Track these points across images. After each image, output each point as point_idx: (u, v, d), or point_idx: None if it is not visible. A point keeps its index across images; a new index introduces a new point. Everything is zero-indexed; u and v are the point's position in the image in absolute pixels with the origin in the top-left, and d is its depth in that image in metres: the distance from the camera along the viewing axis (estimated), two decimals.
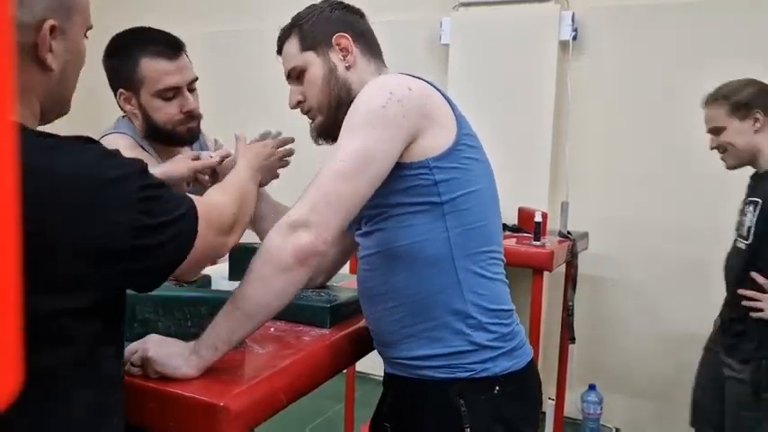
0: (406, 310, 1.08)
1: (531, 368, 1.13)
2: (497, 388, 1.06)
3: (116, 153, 0.75)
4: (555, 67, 2.96)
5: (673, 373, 2.69)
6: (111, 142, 1.40)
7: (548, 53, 2.97)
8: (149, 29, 1.41)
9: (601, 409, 2.78)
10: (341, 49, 1.12)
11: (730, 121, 1.78)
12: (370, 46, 1.16)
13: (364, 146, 0.96)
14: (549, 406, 2.84)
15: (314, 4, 1.18)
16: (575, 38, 2.96)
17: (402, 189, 1.02)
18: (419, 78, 1.07)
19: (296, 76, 1.16)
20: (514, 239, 2.58)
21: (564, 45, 3.00)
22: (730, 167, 1.86)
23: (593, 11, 2.97)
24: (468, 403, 1.05)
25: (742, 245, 1.81)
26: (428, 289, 1.05)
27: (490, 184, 1.12)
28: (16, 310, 0.24)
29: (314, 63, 1.13)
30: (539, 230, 2.45)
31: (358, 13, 1.19)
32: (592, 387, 2.81)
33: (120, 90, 1.40)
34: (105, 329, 0.78)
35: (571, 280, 2.60)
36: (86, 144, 0.75)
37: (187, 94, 1.39)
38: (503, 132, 3.02)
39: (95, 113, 1.89)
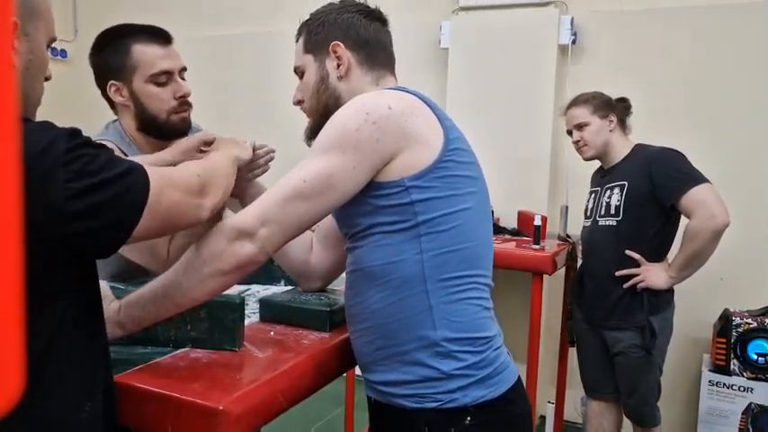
0: (378, 332, 1.04)
1: (512, 395, 1.04)
2: (469, 419, 1.00)
3: (50, 124, 0.73)
4: (554, 71, 2.97)
5: (672, 375, 2.68)
6: None
7: (547, 57, 2.98)
8: (136, 24, 1.39)
9: None
10: (336, 57, 1.10)
11: (593, 119, 2.17)
12: (372, 56, 1.11)
13: (329, 170, 0.95)
14: (548, 409, 2.84)
15: (331, 3, 1.15)
16: (574, 42, 2.97)
17: (378, 208, 0.99)
18: (407, 92, 1.04)
19: (300, 74, 1.15)
20: (514, 243, 2.59)
21: (563, 49, 3.01)
22: (587, 159, 2.23)
23: (592, 15, 2.98)
24: None
25: (612, 222, 2.12)
26: (400, 312, 1.01)
27: (480, 203, 1.06)
28: (18, 316, 0.24)
29: (310, 67, 1.12)
30: (538, 234, 2.45)
31: (372, 17, 1.13)
32: None
33: (111, 82, 1.38)
34: (76, 310, 0.78)
35: (570, 283, 2.60)
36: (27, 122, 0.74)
37: (179, 79, 1.39)
38: (502, 136, 3.03)
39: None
